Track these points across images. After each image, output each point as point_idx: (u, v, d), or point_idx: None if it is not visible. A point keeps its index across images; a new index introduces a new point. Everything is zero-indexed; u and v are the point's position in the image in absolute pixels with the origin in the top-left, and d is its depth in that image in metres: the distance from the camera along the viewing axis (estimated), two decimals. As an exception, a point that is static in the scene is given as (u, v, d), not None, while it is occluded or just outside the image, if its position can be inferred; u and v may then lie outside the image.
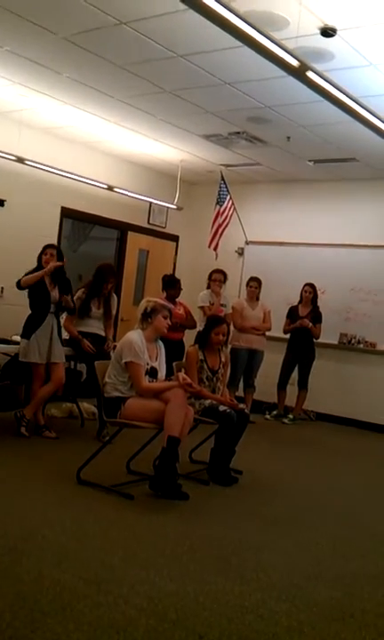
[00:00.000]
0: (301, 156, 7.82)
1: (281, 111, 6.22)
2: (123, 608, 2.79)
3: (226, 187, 8.56)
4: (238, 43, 3.77)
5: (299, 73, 4.05)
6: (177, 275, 8.46)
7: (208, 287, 7.85)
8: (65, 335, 6.22)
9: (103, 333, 6.40)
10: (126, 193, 8.53)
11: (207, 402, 5.11)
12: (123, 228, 9.18)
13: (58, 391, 6.25)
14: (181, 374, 4.83)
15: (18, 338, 5.97)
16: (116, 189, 8.36)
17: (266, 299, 8.22)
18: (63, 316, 6.30)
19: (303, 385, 8.25)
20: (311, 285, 8.22)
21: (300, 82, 4.25)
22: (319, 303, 8.27)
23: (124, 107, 6.56)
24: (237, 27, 3.48)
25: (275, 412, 8.39)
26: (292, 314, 8.28)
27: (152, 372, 4.77)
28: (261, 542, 3.84)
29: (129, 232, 9.23)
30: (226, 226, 8.61)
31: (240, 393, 8.01)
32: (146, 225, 9.46)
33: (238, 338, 7.94)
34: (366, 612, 3.01)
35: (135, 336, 4.73)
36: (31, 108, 6.93)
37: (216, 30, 3.61)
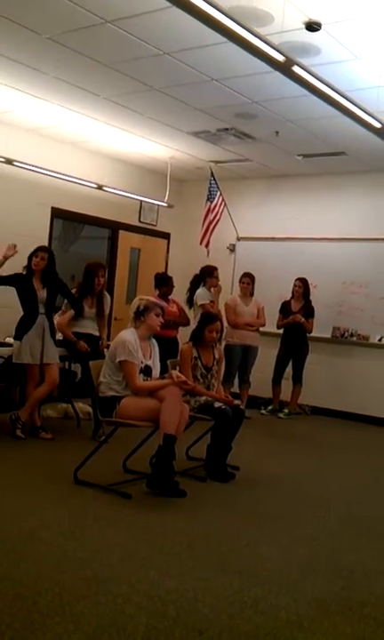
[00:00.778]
0: (290, 151, 7.82)
1: (268, 106, 6.22)
2: (122, 607, 2.79)
3: (216, 183, 8.56)
4: (224, 39, 3.77)
5: (285, 68, 4.05)
6: (169, 272, 8.48)
7: (204, 285, 7.79)
8: (59, 336, 6.22)
9: (97, 333, 6.40)
10: (116, 192, 8.52)
11: (202, 399, 5.11)
12: (113, 227, 9.17)
13: (53, 392, 6.26)
14: (175, 372, 4.83)
15: (11, 340, 5.96)
16: (105, 188, 8.35)
17: (258, 294, 8.22)
18: (56, 317, 6.30)
19: (298, 379, 8.27)
20: (302, 280, 8.24)
21: (287, 77, 4.26)
22: (311, 297, 8.28)
23: (112, 105, 6.55)
24: (222, 23, 3.48)
25: (270, 407, 8.40)
26: (285, 309, 8.29)
27: (146, 371, 4.77)
28: (259, 537, 3.85)
29: (120, 231, 9.23)
30: (217, 222, 8.61)
31: (235, 389, 8.01)
32: (137, 223, 9.45)
33: (232, 334, 7.93)
34: (365, 605, 3.02)
35: (128, 335, 4.73)
36: (18, 109, 6.91)
37: (201, 27, 3.61)
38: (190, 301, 7.73)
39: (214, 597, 2.96)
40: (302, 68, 4.10)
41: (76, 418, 6.77)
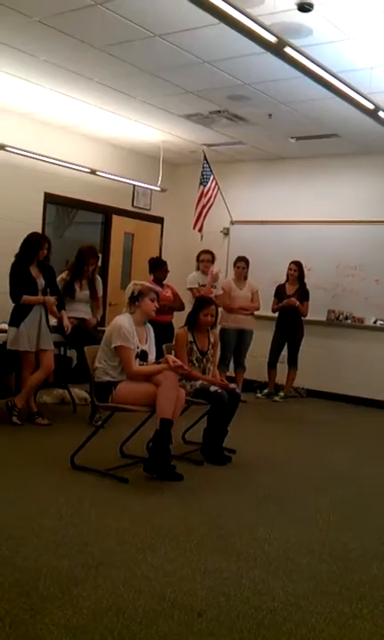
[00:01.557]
0: (283, 134, 7.78)
1: (261, 88, 6.18)
2: (121, 590, 2.81)
3: (209, 167, 8.52)
4: (215, 20, 3.75)
5: (277, 49, 4.03)
6: (163, 257, 8.44)
7: (197, 269, 7.83)
8: (53, 322, 6.21)
9: (89, 317, 6.41)
10: (109, 176, 8.47)
11: (198, 383, 5.12)
12: (107, 212, 9.13)
13: (48, 378, 6.26)
14: (171, 357, 4.83)
15: (5, 326, 5.95)
16: (98, 173, 8.30)
17: (253, 278, 8.21)
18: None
19: (293, 363, 8.29)
20: (296, 263, 8.23)
21: (279, 58, 4.24)
22: (306, 281, 8.27)
23: (104, 89, 6.49)
24: (213, 4, 3.46)
25: (266, 391, 8.43)
26: (280, 292, 8.29)
27: (142, 356, 4.77)
28: (257, 519, 3.88)
29: (113, 215, 9.18)
30: (210, 206, 8.57)
31: (231, 373, 8.03)
32: (130, 208, 9.40)
33: (227, 318, 7.94)
34: (362, 585, 3.05)
35: (124, 320, 4.72)
36: (9, 94, 6.84)
37: (193, 8, 3.59)
38: None
39: (212, 580, 2.98)
40: (294, 49, 4.08)
41: (73, 403, 6.79)
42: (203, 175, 8.54)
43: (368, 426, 7.31)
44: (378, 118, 5.52)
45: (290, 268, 8.24)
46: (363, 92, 4.93)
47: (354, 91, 4.86)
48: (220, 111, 7.05)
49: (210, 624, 2.59)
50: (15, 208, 7.58)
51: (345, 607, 2.81)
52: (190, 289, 7.68)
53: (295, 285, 8.25)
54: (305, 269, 8.26)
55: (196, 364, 5.30)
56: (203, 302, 5.47)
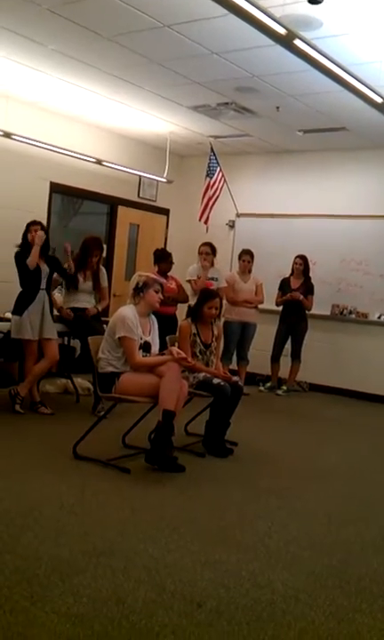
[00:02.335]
0: (291, 126, 7.75)
1: (269, 81, 6.15)
2: (121, 580, 2.82)
3: (216, 158, 8.50)
4: (225, 11, 3.72)
5: (286, 41, 4.00)
6: (168, 249, 8.43)
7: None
8: (56, 312, 6.22)
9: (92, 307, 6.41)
10: (116, 167, 8.46)
11: (201, 375, 5.12)
12: (113, 203, 9.12)
13: (52, 367, 6.27)
14: (175, 348, 4.84)
15: (10, 315, 5.96)
16: (104, 163, 8.28)
17: (258, 271, 8.20)
18: (54, 293, 6.30)
19: (296, 356, 8.29)
20: (302, 257, 8.21)
21: (288, 50, 4.21)
22: (310, 275, 8.26)
23: (112, 79, 6.47)
24: (223, -5, 3.43)
25: (268, 384, 8.43)
26: (284, 286, 8.27)
27: (145, 347, 4.77)
28: (258, 512, 3.88)
29: (119, 206, 9.17)
30: (216, 198, 8.55)
31: (234, 366, 8.03)
32: (136, 199, 9.39)
33: (231, 311, 7.93)
34: (362, 578, 3.06)
35: (128, 311, 4.72)
36: (17, 82, 6.83)
37: (202, -1, 3.56)
38: None
39: (212, 571, 2.99)
40: (304, 42, 4.04)
41: (76, 393, 6.80)
42: (209, 167, 8.53)
43: (370, 420, 7.31)
44: (387, 112, 5.49)
45: (295, 262, 8.22)
46: (372, 85, 4.90)
47: (363, 84, 4.82)
48: (227, 103, 7.03)
49: (209, 615, 2.60)
50: (21, 196, 7.57)
51: (344, 601, 2.82)
52: (189, 281, 7.68)
53: (300, 279, 8.23)
54: (310, 263, 8.24)
55: (200, 357, 5.30)
56: (207, 295, 5.46)
